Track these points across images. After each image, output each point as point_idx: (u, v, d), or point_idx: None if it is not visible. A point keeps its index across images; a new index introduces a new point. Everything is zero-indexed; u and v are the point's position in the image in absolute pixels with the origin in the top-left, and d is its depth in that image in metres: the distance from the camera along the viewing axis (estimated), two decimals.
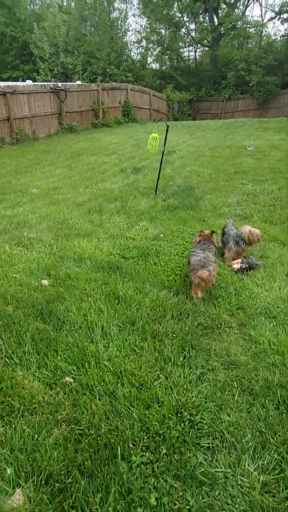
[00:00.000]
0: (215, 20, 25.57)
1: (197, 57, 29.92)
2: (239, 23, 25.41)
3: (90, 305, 2.96)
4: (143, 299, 3.06)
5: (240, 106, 23.71)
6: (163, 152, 6.34)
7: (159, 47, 29.84)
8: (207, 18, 26.66)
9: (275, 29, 41.08)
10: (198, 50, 29.60)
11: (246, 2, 26.06)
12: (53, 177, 8.13)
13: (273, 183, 6.93)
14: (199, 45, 28.40)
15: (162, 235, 4.59)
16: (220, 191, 6.91)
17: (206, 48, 28.19)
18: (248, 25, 24.84)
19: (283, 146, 10.28)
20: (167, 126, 6.34)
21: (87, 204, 6.07)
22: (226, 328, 2.78)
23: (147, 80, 25.14)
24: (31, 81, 12.76)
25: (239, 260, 3.81)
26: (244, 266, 3.69)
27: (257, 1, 26.06)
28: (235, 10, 24.66)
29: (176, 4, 27.04)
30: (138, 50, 31.18)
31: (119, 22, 30.20)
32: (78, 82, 15.60)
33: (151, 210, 5.75)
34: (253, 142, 10.96)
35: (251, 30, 25.52)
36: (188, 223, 5.27)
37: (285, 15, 25.70)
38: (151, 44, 30.91)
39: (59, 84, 13.36)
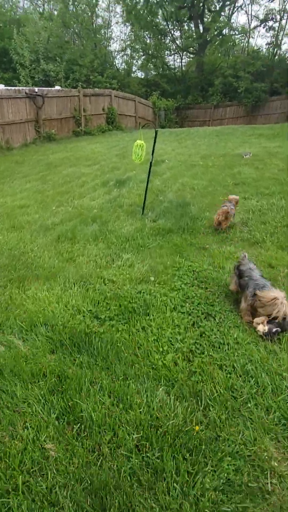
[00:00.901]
0: (201, 27, 25.11)
1: (183, 64, 29.45)
2: (225, 29, 25.04)
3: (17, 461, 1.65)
4: (123, 427, 1.76)
5: (228, 113, 23.06)
6: (151, 162, 5.21)
7: (144, 55, 29.27)
8: (192, 25, 26.21)
9: (260, 37, 41.05)
10: (184, 58, 29.15)
11: (231, 9, 25.74)
12: (22, 192, 6.88)
13: (281, 197, 5.86)
14: (185, 52, 27.90)
15: (152, 277, 3.38)
16: (220, 207, 5.80)
17: (192, 56, 27.70)
18: (235, 31, 24.41)
19: (282, 154, 9.33)
20: (156, 132, 5.21)
21: (58, 228, 4.84)
22: None
23: (133, 87, 24.30)
24: (3, 86, 11.54)
25: (264, 318, 2.64)
26: (275, 330, 2.52)
27: (242, 9, 25.72)
28: (221, 17, 24.22)
29: (160, 12, 26.54)
30: (123, 58, 30.55)
31: (102, 30, 29.58)
32: (57, 87, 14.48)
33: (137, 236, 4.56)
34: (249, 150, 10.00)
35: (237, 37, 25.13)
36: (185, 252, 4.11)
37: (270, 23, 25.54)
38: (136, 53, 30.38)
39: (36, 89, 12.22)
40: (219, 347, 2.40)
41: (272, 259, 3.96)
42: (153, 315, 2.70)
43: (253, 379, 2.10)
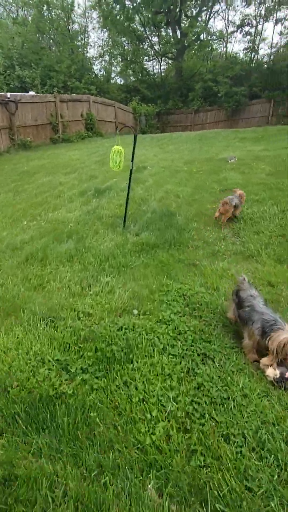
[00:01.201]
0: (178, 32, 25.10)
1: (162, 70, 29.38)
2: (202, 35, 25.11)
3: None
4: None
5: (209, 117, 22.99)
6: (131, 170, 4.70)
7: (123, 61, 29.04)
8: (169, 31, 26.19)
9: (237, 42, 41.58)
10: (163, 63, 29.08)
11: (208, 15, 25.88)
12: None
13: (273, 203, 5.46)
14: (164, 58, 27.83)
15: (135, 310, 2.84)
16: (208, 216, 5.35)
17: (171, 61, 27.65)
18: (212, 36, 24.50)
19: (268, 157, 9.04)
20: (135, 136, 4.72)
21: (27, 247, 4.24)
22: None
23: (112, 93, 23.91)
24: None
25: (272, 358, 2.15)
26: (287, 376, 2.03)
27: (218, 14, 25.92)
28: (198, 23, 24.27)
29: (137, 17, 26.40)
30: (102, 64, 30.23)
31: (79, 36, 29.21)
32: (32, 93, 13.87)
33: (118, 253, 4.03)
34: (233, 154, 9.68)
35: (215, 42, 25.26)
36: (173, 271, 3.60)
37: (246, 28, 25.82)
38: (114, 58, 30.12)
39: (8, 94, 11.57)
40: (223, 404, 1.88)
41: (271, 275, 3.50)
42: (137, 362, 2.16)
43: (272, 454, 1.59)
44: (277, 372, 2.06)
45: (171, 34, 25.69)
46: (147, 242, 4.32)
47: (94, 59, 29.58)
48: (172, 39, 25.11)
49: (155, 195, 6.39)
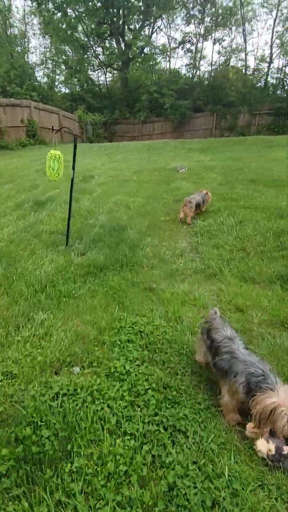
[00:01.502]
0: (122, 44, 25.16)
1: (108, 81, 29.23)
2: (146, 48, 25.49)
3: None
4: None
5: (156, 128, 23.20)
6: (72, 179, 4.02)
7: (67, 69, 28.28)
8: (113, 42, 26.17)
9: (180, 58, 43.22)
10: (108, 74, 28.95)
11: (150, 30, 26.43)
12: None
13: (229, 214, 5.17)
14: (109, 68, 27.70)
15: (77, 367, 2.14)
16: (163, 230, 4.87)
17: (116, 72, 27.62)
18: (156, 50, 24.98)
19: (217, 167, 9.00)
20: (74, 140, 4.07)
21: None
22: None
23: (56, 101, 22.99)
24: None
25: (265, 433, 1.62)
26: (285, 453, 1.51)
27: (160, 30, 26.59)
28: (141, 36, 24.60)
29: (80, 26, 25.98)
30: (44, 71, 29.12)
31: (18, 40, 27.90)
32: None
33: (59, 279, 3.30)
34: (183, 164, 9.50)
35: (158, 55, 25.81)
36: (126, 299, 2.98)
37: (187, 45, 26.88)
38: (57, 66, 29.25)
39: None
40: None
41: (238, 297, 3.07)
42: (79, 456, 1.47)
43: None
44: (272, 447, 1.53)
45: (115, 45, 25.67)
46: (94, 263, 3.65)
47: (36, 65, 28.46)
48: (116, 50, 25.07)
49: (103, 207, 5.76)
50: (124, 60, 24.54)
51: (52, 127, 5.35)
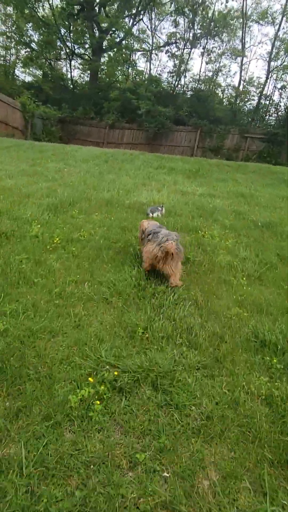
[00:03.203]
0: (96, 33, 20.65)
1: (72, 69, 24.46)
2: (124, 41, 21.18)
3: None
4: None
5: (126, 137, 18.68)
6: None
7: (26, 50, 23.11)
8: (85, 28, 21.56)
9: (160, 67, 39.73)
10: (76, 64, 24.18)
11: (132, 22, 22.25)
12: None
13: None
14: (76, 57, 22.93)
15: None
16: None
17: (85, 64, 22.93)
18: (135, 42, 20.66)
19: (222, 211, 4.50)
20: None
21: None
22: None
23: (9, 90, 17.53)
24: None
25: None
26: None
27: (142, 21, 22.54)
28: (122, 23, 20.26)
29: (47, 3, 21.18)
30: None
31: None
32: None
33: None
34: (158, 196, 4.90)
35: (139, 56, 21.64)
36: None
37: (172, 47, 23.11)
38: (18, 47, 24.00)
39: None
40: None
41: None
42: None
43: None
44: None
45: (86, 31, 21.05)
46: None
47: None
48: (87, 36, 20.46)
49: None
50: (96, 48, 19.98)
51: None
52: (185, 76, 22.64)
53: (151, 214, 4.07)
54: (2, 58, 24.68)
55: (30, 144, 9.42)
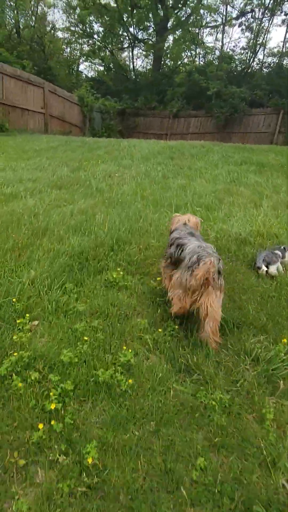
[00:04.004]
0: (161, 12, 18.60)
1: (136, 59, 22.85)
2: (192, 17, 18.73)
3: None
4: None
5: (192, 126, 16.46)
6: None
7: (89, 43, 22.21)
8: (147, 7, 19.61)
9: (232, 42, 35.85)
10: (139, 52, 22.49)
11: None
12: None
13: None
14: (141, 43, 21.17)
15: None
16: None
17: (147, 49, 21.08)
18: (206, 10, 17.94)
19: None
20: None
21: None
22: None
23: (60, 75, 16.80)
24: None
25: None
26: None
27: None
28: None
29: None
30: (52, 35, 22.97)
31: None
32: None
33: None
34: (262, 216, 2.87)
35: (209, 23, 18.95)
36: None
37: (247, 18, 19.85)
38: (80, 41, 23.29)
39: None
40: None
41: None
42: None
43: None
44: None
45: (150, 9, 19.08)
46: None
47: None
48: (151, 15, 18.52)
49: None
50: (160, 29, 17.97)
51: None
52: (263, 50, 19.24)
53: (264, 268, 2.13)
54: (66, 54, 24.27)
55: (81, 141, 8.00)
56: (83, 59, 24.33)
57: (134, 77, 20.75)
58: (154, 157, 6.32)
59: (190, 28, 17.86)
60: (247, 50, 20.30)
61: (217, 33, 20.59)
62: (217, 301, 1.62)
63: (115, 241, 2.52)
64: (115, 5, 20.41)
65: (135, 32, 20.97)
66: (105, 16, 20.22)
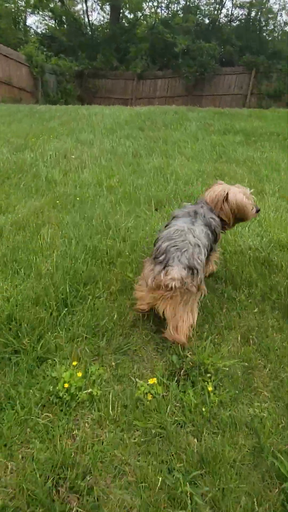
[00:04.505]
0: None
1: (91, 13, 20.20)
2: None
3: None
4: None
5: (160, 89, 14.94)
6: None
7: None
8: None
9: None
10: (94, 3, 19.86)
11: None
12: None
13: None
14: None
15: None
16: None
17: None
18: None
19: None
20: None
21: None
22: None
23: (3, 29, 14.33)
24: None
25: None
26: None
27: None
28: None
29: None
30: None
31: None
32: None
33: None
34: (273, 212, 2.06)
35: None
36: None
37: None
38: None
39: None
40: None
41: None
42: None
43: None
44: None
45: None
46: None
47: None
48: None
49: None
50: None
51: None
52: (231, 0, 17.58)
53: None
54: (9, 5, 20.90)
55: (30, 109, 6.58)
56: (30, 11, 21.15)
57: (90, 32, 18.39)
58: (120, 129, 5.20)
59: None
60: (213, 1, 18.53)
61: None
62: (181, 308, 1.32)
63: (68, 286, 1.56)
64: None
65: None
66: None
